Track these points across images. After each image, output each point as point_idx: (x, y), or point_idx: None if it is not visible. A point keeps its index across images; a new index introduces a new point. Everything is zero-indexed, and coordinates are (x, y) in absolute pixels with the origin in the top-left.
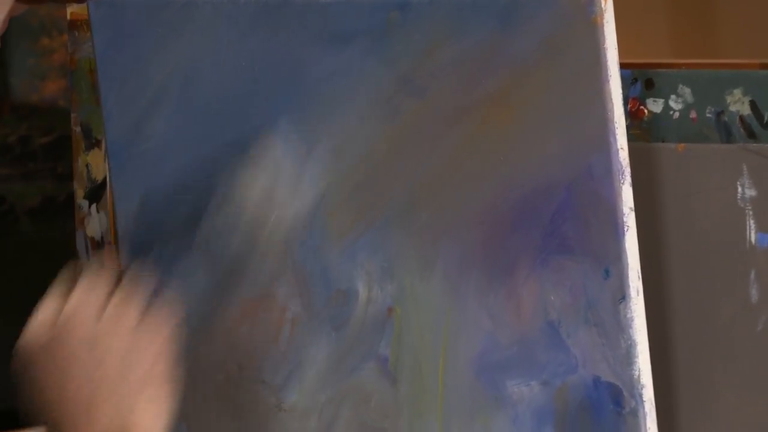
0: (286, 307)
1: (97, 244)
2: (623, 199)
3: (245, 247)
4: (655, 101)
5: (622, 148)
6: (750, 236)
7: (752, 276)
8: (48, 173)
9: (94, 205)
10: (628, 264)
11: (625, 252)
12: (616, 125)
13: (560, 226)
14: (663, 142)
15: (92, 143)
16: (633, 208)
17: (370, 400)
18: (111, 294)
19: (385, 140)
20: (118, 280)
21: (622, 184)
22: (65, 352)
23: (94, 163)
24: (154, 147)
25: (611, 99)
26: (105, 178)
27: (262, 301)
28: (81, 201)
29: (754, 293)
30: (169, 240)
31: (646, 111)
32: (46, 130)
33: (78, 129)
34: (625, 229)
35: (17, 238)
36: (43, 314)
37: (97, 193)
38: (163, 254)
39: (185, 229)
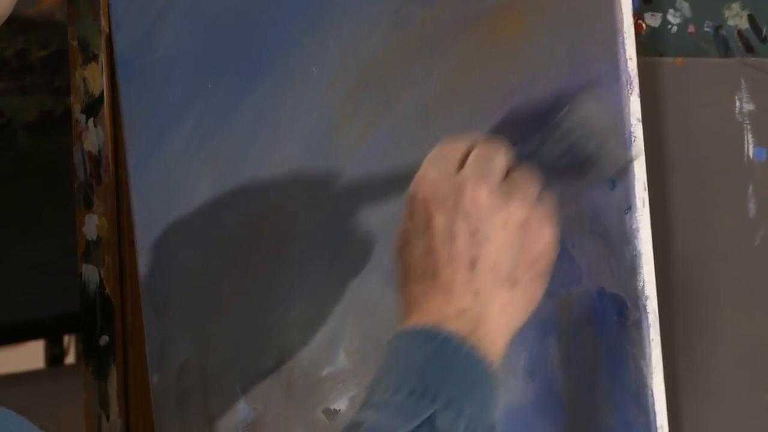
0: (294, 218)
1: (95, 159)
2: (631, 109)
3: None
4: (653, 15)
5: (630, 59)
6: (748, 150)
7: (750, 190)
8: (45, 87)
9: (91, 120)
10: (634, 175)
11: (632, 163)
12: (626, 35)
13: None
14: (661, 56)
15: (89, 57)
16: (640, 119)
17: (375, 311)
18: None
19: (394, 49)
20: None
21: (630, 94)
22: (459, 210)
23: (91, 77)
24: (163, 57)
25: (621, 9)
26: (102, 93)
27: (270, 213)
28: (78, 115)
29: (752, 207)
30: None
31: (644, 25)
32: (44, 43)
33: (75, 43)
34: (632, 140)
35: (15, 151)
36: (444, 162)
37: (94, 107)
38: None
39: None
